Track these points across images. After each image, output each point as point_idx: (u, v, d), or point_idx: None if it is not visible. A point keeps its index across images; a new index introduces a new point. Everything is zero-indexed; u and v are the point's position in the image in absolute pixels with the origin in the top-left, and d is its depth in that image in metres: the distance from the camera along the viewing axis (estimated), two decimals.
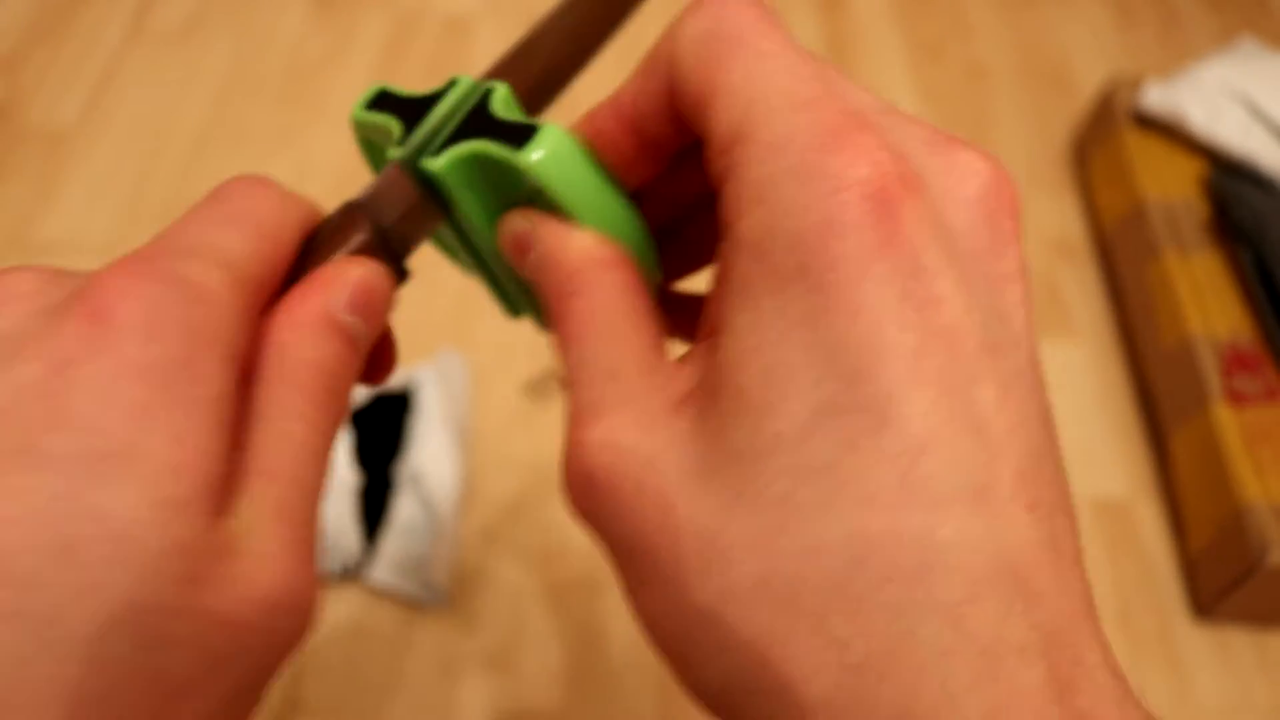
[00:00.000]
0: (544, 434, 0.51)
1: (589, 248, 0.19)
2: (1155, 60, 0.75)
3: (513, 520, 0.49)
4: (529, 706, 0.43)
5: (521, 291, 0.24)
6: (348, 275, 0.19)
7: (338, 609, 0.45)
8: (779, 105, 0.15)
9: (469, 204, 0.21)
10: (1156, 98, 0.60)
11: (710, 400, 0.16)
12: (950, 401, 0.14)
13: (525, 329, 0.55)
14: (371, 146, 0.24)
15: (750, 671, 0.14)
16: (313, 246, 0.20)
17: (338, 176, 0.62)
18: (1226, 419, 0.48)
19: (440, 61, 0.69)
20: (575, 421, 0.17)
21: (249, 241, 0.18)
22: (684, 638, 0.15)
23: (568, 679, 0.44)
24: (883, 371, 0.14)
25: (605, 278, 0.18)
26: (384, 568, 0.45)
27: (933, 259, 0.14)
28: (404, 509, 0.45)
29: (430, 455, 0.47)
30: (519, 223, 0.20)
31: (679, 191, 0.21)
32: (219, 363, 0.16)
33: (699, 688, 0.16)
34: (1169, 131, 0.61)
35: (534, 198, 0.20)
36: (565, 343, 0.18)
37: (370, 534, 0.45)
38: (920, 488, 0.14)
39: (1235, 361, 0.51)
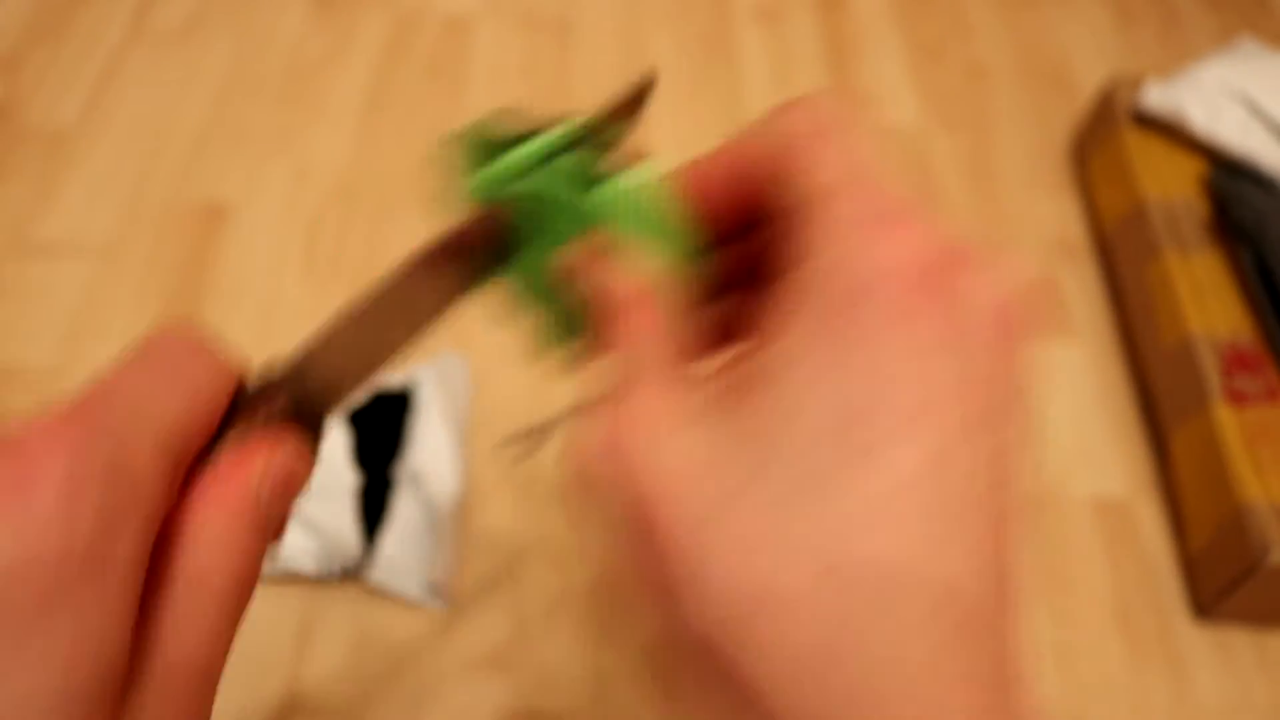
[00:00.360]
0: None
1: (647, 281, 0.21)
2: (1155, 60, 0.75)
3: (513, 520, 0.49)
4: (529, 706, 0.43)
5: (566, 322, 0.25)
6: (271, 464, 0.19)
7: (338, 609, 0.45)
8: (861, 180, 0.18)
9: (544, 229, 0.23)
10: (1156, 98, 0.60)
11: (736, 404, 0.18)
12: (934, 457, 0.16)
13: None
14: (475, 149, 0.25)
15: (729, 626, 0.16)
16: (235, 410, 0.20)
17: (338, 176, 0.62)
18: (1226, 419, 0.48)
19: (440, 61, 0.70)
20: (611, 400, 0.19)
21: (181, 407, 0.18)
22: (672, 588, 0.17)
23: (567, 679, 0.44)
24: (887, 416, 0.16)
25: (656, 303, 0.21)
26: (384, 568, 0.45)
27: (951, 337, 0.17)
28: (404, 509, 0.45)
29: (430, 455, 0.47)
30: (586, 249, 0.22)
31: (732, 259, 0.24)
32: (135, 540, 0.16)
33: (681, 636, 0.17)
34: (1169, 131, 0.61)
35: (609, 227, 0.22)
36: (614, 346, 0.20)
37: (370, 534, 0.45)
38: (895, 517, 0.16)
39: (1235, 361, 0.51)
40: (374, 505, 0.46)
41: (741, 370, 0.18)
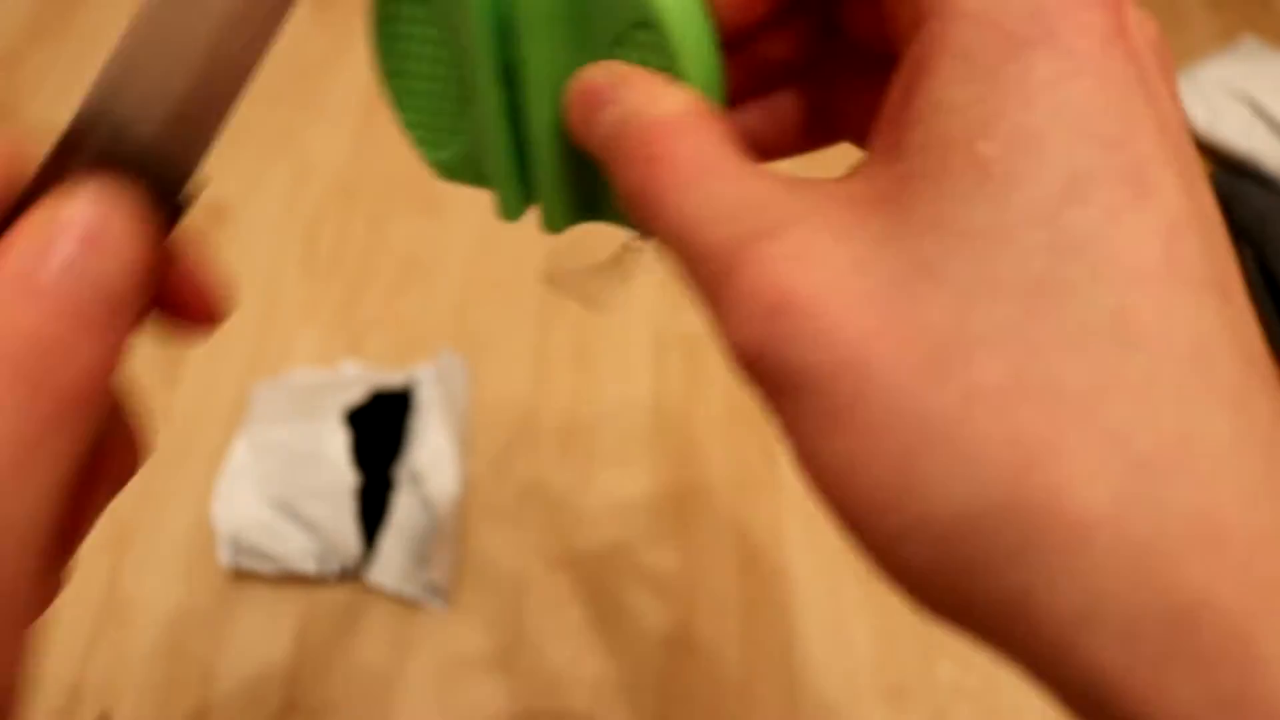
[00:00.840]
0: (544, 433, 0.51)
1: (688, 99, 0.16)
2: None
3: (513, 520, 0.48)
4: (529, 706, 0.43)
5: (554, 175, 0.20)
6: (56, 218, 0.14)
7: (337, 610, 0.45)
8: None
9: (538, 46, 0.17)
10: None
11: (923, 188, 0.14)
12: (1187, 185, 0.13)
13: (524, 329, 0.55)
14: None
15: (1005, 489, 0.12)
16: (30, 199, 0.15)
17: (338, 176, 0.62)
18: None
19: None
20: (744, 248, 0.14)
21: None
22: (910, 463, 0.13)
23: (568, 679, 0.44)
24: (1138, 140, 0.13)
25: (708, 125, 0.16)
26: (384, 568, 0.45)
27: (1148, 59, 0.14)
28: (404, 509, 0.45)
29: (430, 455, 0.46)
30: (601, 73, 0.17)
31: (769, 53, 0.19)
32: None
33: (924, 531, 0.13)
34: None
35: (621, 43, 0.17)
36: (670, 191, 0.15)
37: (370, 534, 0.45)
38: (1181, 267, 0.13)
39: None
40: (374, 505, 0.46)
41: (900, 152, 0.14)
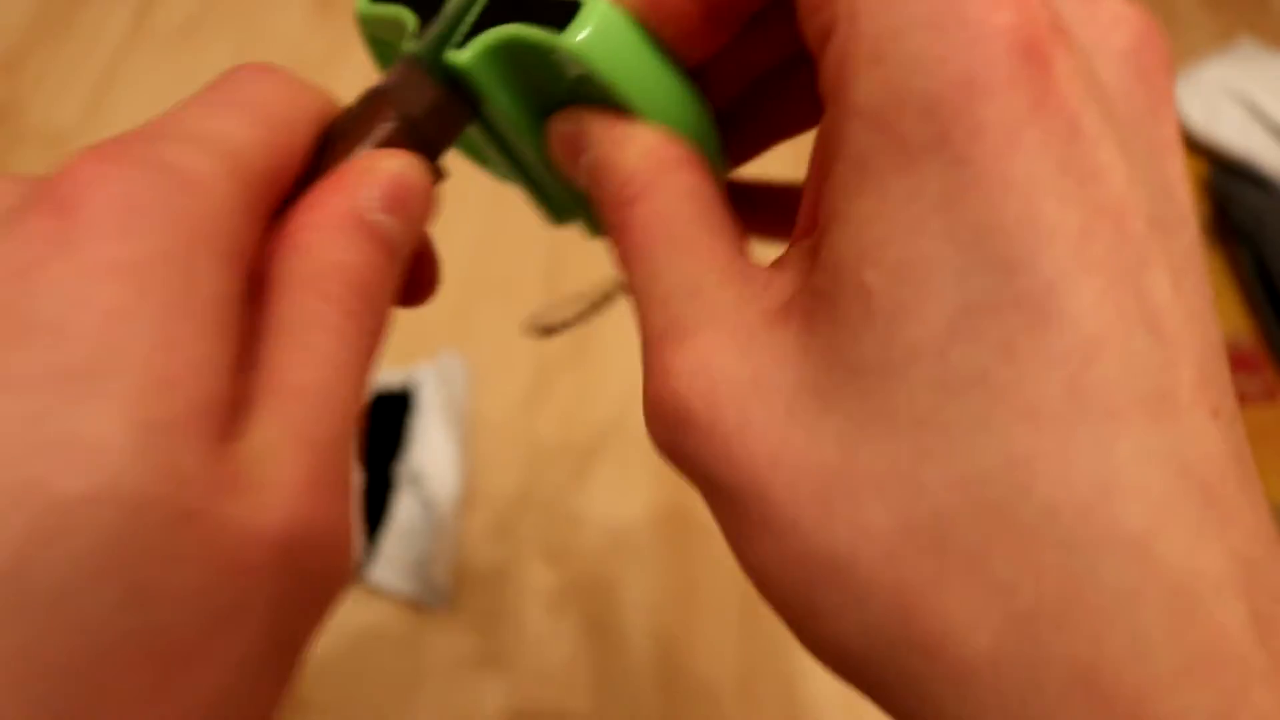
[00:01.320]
0: (545, 434, 0.51)
1: (651, 146, 0.16)
2: None
3: (514, 519, 0.49)
4: (531, 706, 0.43)
5: (568, 194, 0.21)
6: (379, 169, 0.16)
7: (337, 610, 0.45)
8: None
9: (502, 102, 0.18)
10: None
11: (821, 308, 0.13)
12: (1120, 291, 0.12)
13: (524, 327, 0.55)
14: (382, 46, 0.20)
15: (893, 628, 0.12)
16: (332, 142, 0.17)
17: None
18: None
19: None
20: (656, 347, 0.15)
21: (253, 129, 0.15)
22: (808, 592, 0.13)
23: (570, 678, 0.44)
24: (1043, 257, 0.12)
25: (671, 179, 0.16)
26: (385, 568, 0.45)
27: (1091, 122, 0.12)
28: (404, 509, 0.45)
29: (431, 455, 0.47)
30: (567, 124, 0.18)
31: (747, 64, 0.18)
32: (216, 259, 0.14)
33: (828, 648, 0.13)
34: None
35: (579, 89, 0.17)
36: (629, 257, 0.16)
37: (371, 534, 0.45)
38: (1092, 396, 0.12)
39: (1235, 361, 0.51)
40: (374, 505, 0.46)
41: (817, 256, 0.14)
